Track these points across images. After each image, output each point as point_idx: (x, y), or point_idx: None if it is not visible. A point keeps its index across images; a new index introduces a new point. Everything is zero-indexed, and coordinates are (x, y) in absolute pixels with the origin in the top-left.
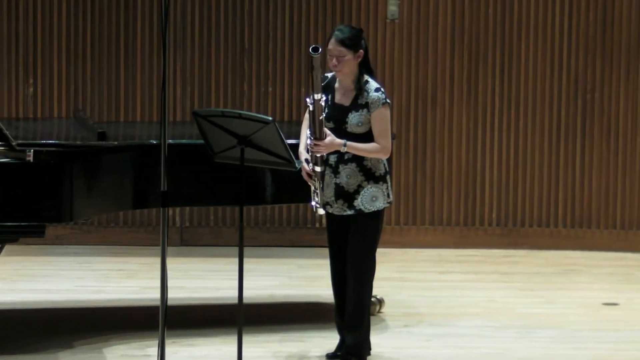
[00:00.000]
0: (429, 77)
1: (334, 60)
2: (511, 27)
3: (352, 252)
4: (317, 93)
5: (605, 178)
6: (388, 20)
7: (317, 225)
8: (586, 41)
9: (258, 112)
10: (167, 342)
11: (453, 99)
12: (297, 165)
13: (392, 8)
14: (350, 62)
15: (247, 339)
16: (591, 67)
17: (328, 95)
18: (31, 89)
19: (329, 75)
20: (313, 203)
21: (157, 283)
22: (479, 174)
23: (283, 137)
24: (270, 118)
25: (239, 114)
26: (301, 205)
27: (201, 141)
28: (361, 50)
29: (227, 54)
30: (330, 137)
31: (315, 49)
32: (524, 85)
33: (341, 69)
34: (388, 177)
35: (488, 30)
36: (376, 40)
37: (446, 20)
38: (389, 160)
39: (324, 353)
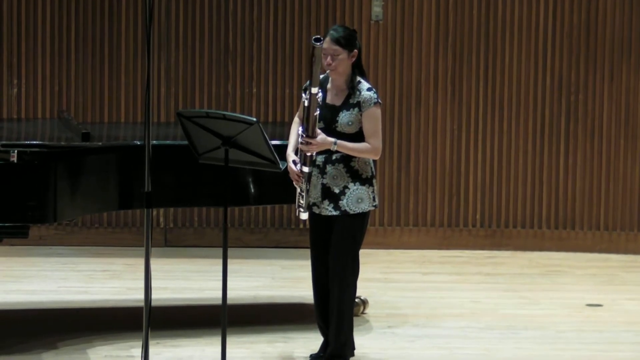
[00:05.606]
0: (413, 78)
1: (329, 59)
2: (495, 28)
3: (335, 253)
4: (315, 87)
5: (589, 179)
6: (372, 21)
7: (301, 226)
8: (570, 43)
9: (242, 113)
10: (151, 342)
11: (437, 100)
12: (281, 166)
13: (377, 9)
14: (344, 61)
15: (231, 340)
16: (575, 68)
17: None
18: (15, 90)
19: (322, 76)
20: (297, 206)
21: (141, 284)
22: (463, 175)
23: (267, 138)
24: (254, 119)
25: (223, 114)
26: (285, 206)
27: (185, 142)
28: (355, 50)
29: (212, 55)
30: (321, 135)
31: (318, 39)
32: (508, 86)
33: (335, 67)
34: (374, 180)
35: (472, 31)
36: (360, 41)
37: (430, 21)
38: (374, 160)
39: (308, 354)
